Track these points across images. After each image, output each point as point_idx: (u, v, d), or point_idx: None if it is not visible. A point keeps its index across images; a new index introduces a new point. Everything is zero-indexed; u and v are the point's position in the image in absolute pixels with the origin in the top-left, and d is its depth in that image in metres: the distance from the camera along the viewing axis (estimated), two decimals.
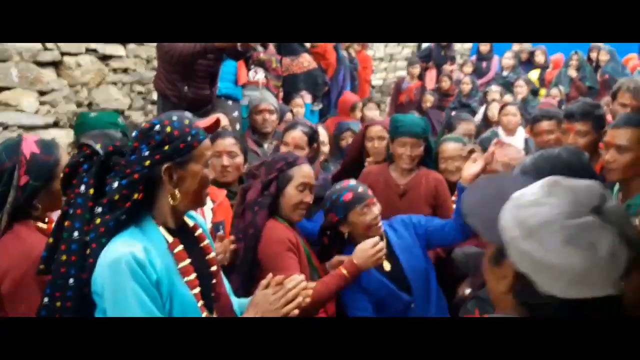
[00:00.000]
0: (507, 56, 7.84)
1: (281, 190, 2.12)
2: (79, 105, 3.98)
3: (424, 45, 8.74)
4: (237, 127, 4.27)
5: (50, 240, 1.38)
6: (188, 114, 1.44)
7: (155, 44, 3.80)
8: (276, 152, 3.00)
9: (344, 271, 2.01)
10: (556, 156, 1.57)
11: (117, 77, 4.40)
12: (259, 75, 4.84)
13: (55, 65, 3.87)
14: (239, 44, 3.31)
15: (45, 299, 1.35)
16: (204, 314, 1.41)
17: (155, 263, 1.32)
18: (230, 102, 4.48)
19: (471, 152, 2.32)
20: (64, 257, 1.33)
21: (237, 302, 1.66)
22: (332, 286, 1.99)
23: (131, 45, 4.50)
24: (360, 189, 2.28)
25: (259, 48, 4.90)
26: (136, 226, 1.36)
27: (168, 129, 1.35)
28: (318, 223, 2.46)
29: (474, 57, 8.58)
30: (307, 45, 6.04)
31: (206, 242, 1.53)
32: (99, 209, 1.34)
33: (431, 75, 8.11)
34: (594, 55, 7.53)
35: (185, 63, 3.29)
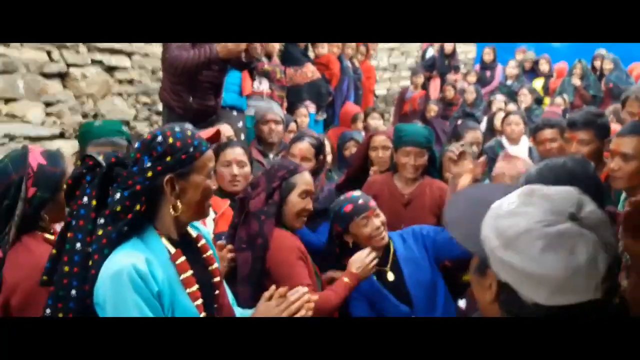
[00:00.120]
0: (510, 65, 7.84)
1: (284, 199, 2.12)
2: (84, 116, 4.00)
3: (428, 54, 8.76)
4: (242, 137, 4.28)
5: (54, 251, 1.39)
6: (189, 125, 1.44)
7: (160, 56, 3.82)
8: None
9: (347, 280, 2.09)
10: (561, 166, 1.57)
11: (122, 88, 4.43)
12: (263, 85, 4.87)
13: (61, 76, 3.90)
14: (243, 54, 3.33)
15: (47, 310, 1.35)
16: None
17: (157, 275, 1.32)
18: (235, 113, 4.50)
19: (462, 154, 2.27)
20: (66, 269, 1.33)
21: (240, 313, 1.66)
22: (341, 293, 2.06)
23: (136, 57, 4.53)
24: (360, 201, 2.29)
25: (263, 59, 4.93)
26: (138, 237, 1.36)
27: (170, 140, 1.36)
28: (323, 235, 2.46)
29: (477, 66, 8.60)
30: (311, 55, 6.07)
31: (209, 253, 1.53)
32: (102, 220, 1.34)
33: (435, 84, 8.13)
34: (597, 63, 7.52)
35: (190, 74, 3.30)
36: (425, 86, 7.65)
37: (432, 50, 8.74)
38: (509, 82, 7.71)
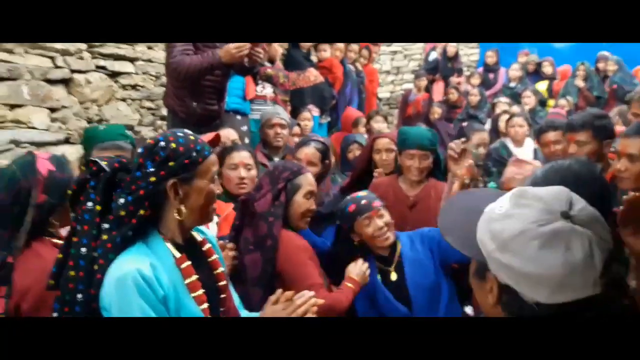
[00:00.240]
0: (514, 68, 7.83)
1: (289, 200, 2.13)
2: (89, 121, 4.01)
3: (431, 57, 8.77)
4: (246, 141, 4.29)
5: (60, 255, 1.39)
6: (188, 131, 1.44)
7: (163, 61, 3.84)
8: None
9: (350, 285, 2.12)
10: (567, 168, 1.56)
11: (126, 94, 4.44)
12: (266, 90, 4.88)
13: (66, 82, 3.91)
14: (245, 59, 3.33)
15: (54, 314, 1.35)
16: None
17: (162, 279, 1.32)
18: (238, 117, 4.51)
19: (463, 152, 2.25)
20: (72, 273, 1.34)
21: (246, 316, 1.66)
22: (349, 296, 2.08)
23: (140, 62, 4.55)
24: (363, 202, 2.32)
25: (266, 63, 4.94)
26: (143, 242, 1.37)
27: (173, 145, 1.36)
28: (328, 239, 2.47)
29: (480, 69, 8.59)
30: (314, 59, 6.08)
31: (214, 256, 1.53)
32: (106, 225, 1.34)
33: (438, 87, 8.12)
34: (601, 65, 7.51)
35: (193, 79, 3.31)
36: (428, 89, 7.65)
37: (435, 53, 8.74)
38: (512, 84, 7.70)
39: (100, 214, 1.35)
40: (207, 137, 1.54)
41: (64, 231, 1.59)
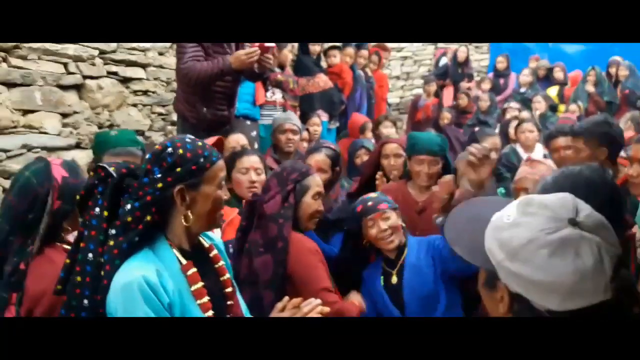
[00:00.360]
0: (524, 73, 7.80)
1: (298, 201, 2.13)
2: (100, 126, 4.05)
3: (441, 63, 8.76)
4: (255, 146, 4.31)
5: (67, 261, 1.39)
6: (191, 137, 1.44)
7: (174, 67, 3.86)
8: None
9: (356, 303, 2.17)
10: (577, 173, 1.55)
11: (137, 99, 4.48)
12: (276, 95, 4.90)
13: (77, 88, 3.96)
14: (255, 65, 3.35)
15: None
16: None
17: (167, 286, 1.32)
18: (248, 122, 4.54)
19: (484, 158, 2.17)
20: (78, 278, 1.34)
21: None
22: (356, 310, 2.12)
23: (151, 68, 4.58)
24: (369, 203, 2.34)
25: (276, 69, 4.97)
26: (150, 248, 1.36)
27: (180, 151, 1.36)
28: (335, 246, 2.47)
29: (491, 74, 8.57)
30: (324, 65, 6.10)
31: (221, 263, 1.52)
32: (113, 231, 1.34)
33: (448, 92, 8.10)
34: (613, 70, 7.46)
35: (203, 85, 3.33)
36: (438, 94, 7.64)
37: (445, 59, 8.73)
38: (522, 89, 7.67)
39: (107, 219, 1.35)
40: (209, 141, 1.54)
41: (72, 237, 1.60)
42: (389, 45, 7.59)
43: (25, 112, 3.55)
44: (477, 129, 5.24)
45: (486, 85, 7.91)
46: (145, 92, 4.54)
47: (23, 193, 1.64)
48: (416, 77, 9.25)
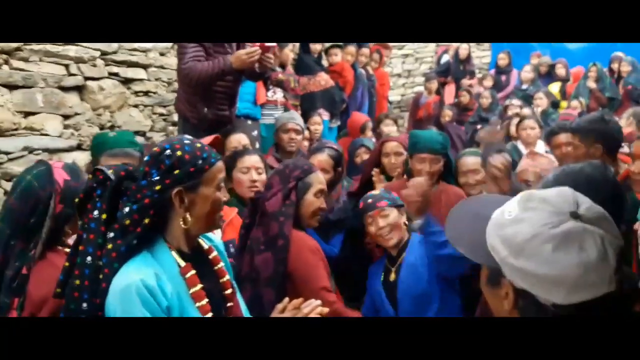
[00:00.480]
0: (526, 69, 7.78)
1: (300, 199, 2.13)
2: (101, 128, 4.06)
3: (443, 60, 8.74)
4: (257, 145, 4.31)
5: (66, 264, 1.39)
6: (189, 137, 1.44)
7: (175, 68, 3.86)
8: None
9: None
10: (578, 171, 1.54)
11: (138, 100, 4.48)
12: (277, 94, 4.90)
13: (79, 89, 3.96)
14: (256, 65, 3.35)
15: None
16: None
17: (166, 289, 1.31)
18: (249, 122, 4.53)
19: (506, 168, 2.17)
20: (77, 282, 1.34)
21: None
22: (355, 314, 2.13)
23: (152, 69, 4.59)
24: (370, 200, 2.36)
25: (277, 68, 4.96)
26: (148, 251, 1.36)
27: (178, 153, 1.35)
28: (336, 246, 2.47)
29: (492, 71, 8.55)
30: (325, 64, 6.09)
31: (220, 265, 1.52)
32: (111, 234, 1.34)
33: (450, 89, 8.09)
34: (615, 66, 7.43)
35: (204, 85, 3.33)
36: (439, 91, 7.63)
37: (447, 56, 8.72)
38: (524, 86, 7.65)
39: (106, 222, 1.35)
40: (206, 140, 1.54)
41: (71, 240, 1.60)
42: (390, 43, 7.58)
43: (27, 114, 3.56)
44: (479, 126, 5.24)
45: (488, 82, 7.89)
46: (146, 93, 4.54)
47: (25, 197, 1.62)
48: (417, 75, 9.24)
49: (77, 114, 3.89)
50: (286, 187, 2.10)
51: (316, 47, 5.88)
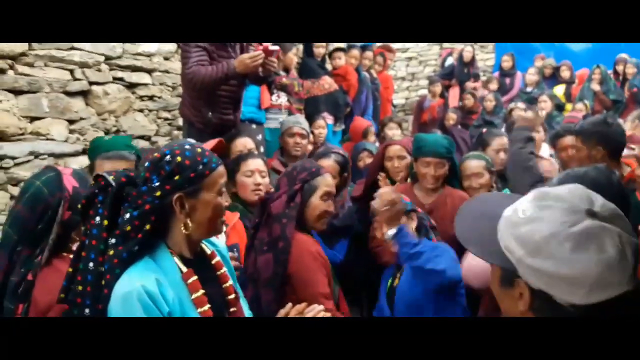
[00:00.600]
0: (530, 72, 7.76)
1: (306, 201, 2.10)
2: (106, 132, 4.07)
3: (447, 63, 8.74)
4: (261, 150, 4.31)
5: (69, 270, 1.39)
6: (192, 141, 1.43)
7: (180, 72, 3.88)
8: None
9: None
10: (583, 175, 1.54)
11: (143, 104, 4.50)
12: (281, 98, 4.90)
13: (84, 94, 3.98)
14: (260, 69, 3.36)
15: None
16: None
17: (167, 295, 1.31)
18: (253, 126, 4.54)
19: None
20: (79, 288, 1.34)
21: None
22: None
23: (157, 73, 4.60)
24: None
25: (281, 72, 4.97)
26: (150, 256, 1.36)
27: (178, 159, 1.35)
28: (340, 253, 2.47)
29: (496, 74, 8.54)
30: (329, 67, 6.10)
31: (223, 270, 1.51)
32: (113, 240, 1.34)
33: (454, 92, 8.08)
34: (620, 68, 7.41)
35: (209, 89, 3.34)
36: (443, 95, 7.62)
37: (451, 59, 8.71)
38: (528, 88, 7.63)
39: (107, 228, 1.35)
40: (210, 144, 1.53)
41: (75, 246, 1.60)
42: (394, 46, 7.58)
43: (32, 119, 3.58)
44: (484, 130, 5.21)
45: (493, 85, 7.87)
46: (151, 98, 4.56)
47: (33, 203, 1.61)
48: (421, 78, 9.24)
49: (82, 118, 3.91)
50: (291, 189, 2.09)
51: (320, 50, 5.88)
